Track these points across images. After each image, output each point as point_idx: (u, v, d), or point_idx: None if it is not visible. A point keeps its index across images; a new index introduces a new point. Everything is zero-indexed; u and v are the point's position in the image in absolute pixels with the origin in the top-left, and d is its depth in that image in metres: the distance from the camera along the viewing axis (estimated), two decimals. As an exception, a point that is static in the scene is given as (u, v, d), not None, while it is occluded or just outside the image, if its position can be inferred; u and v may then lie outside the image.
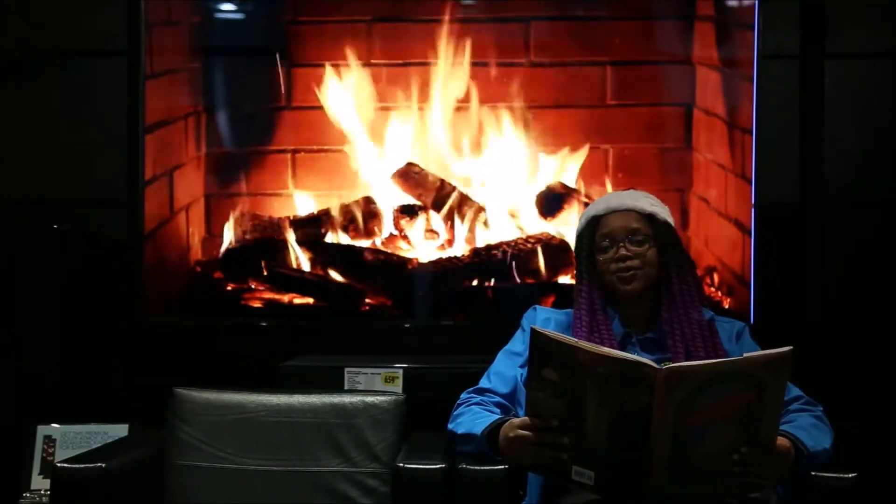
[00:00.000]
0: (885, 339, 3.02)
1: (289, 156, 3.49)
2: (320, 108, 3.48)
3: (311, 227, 3.36)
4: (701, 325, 2.31)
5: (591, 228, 2.36)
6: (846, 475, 2.23)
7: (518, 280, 3.27)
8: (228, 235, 3.42)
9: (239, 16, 3.55)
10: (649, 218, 2.33)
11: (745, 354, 1.99)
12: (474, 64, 3.45)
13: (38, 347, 3.09)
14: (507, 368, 2.39)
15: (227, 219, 3.47)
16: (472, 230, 3.37)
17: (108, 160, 3.22)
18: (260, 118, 3.54)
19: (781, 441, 2.08)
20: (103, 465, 2.44)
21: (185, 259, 3.41)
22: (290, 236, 3.34)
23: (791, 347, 1.95)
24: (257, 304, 3.31)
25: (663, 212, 2.36)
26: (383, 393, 2.75)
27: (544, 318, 2.41)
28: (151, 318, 3.19)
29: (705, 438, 1.93)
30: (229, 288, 3.31)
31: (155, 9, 3.16)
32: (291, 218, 3.38)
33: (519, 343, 2.42)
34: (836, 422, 2.30)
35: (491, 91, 3.45)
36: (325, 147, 3.48)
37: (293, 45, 3.51)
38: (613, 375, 1.92)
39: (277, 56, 3.48)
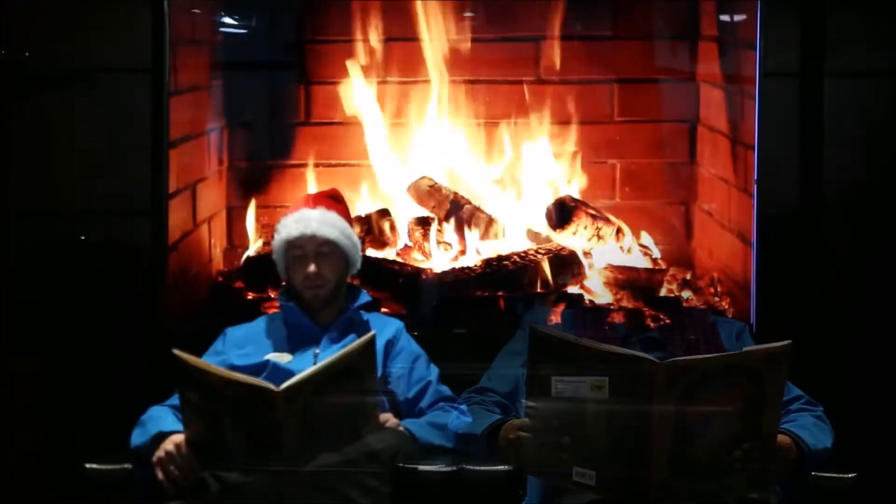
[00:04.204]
0: (885, 350, 3.05)
1: (308, 170, 3.58)
2: (338, 123, 3.55)
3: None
4: (704, 331, 2.35)
5: None
6: (846, 475, 2.24)
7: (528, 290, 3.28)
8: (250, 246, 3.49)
9: (259, 35, 3.63)
10: None
11: (744, 348, 2.01)
12: (485, 81, 3.53)
13: (66, 360, 3.12)
14: (507, 368, 2.40)
15: (248, 230, 3.53)
16: (483, 241, 3.41)
17: (134, 174, 3.19)
18: (280, 133, 3.62)
19: (783, 439, 2.11)
20: (130, 466, 2.44)
21: (208, 269, 3.47)
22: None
23: (789, 341, 1.95)
24: (277, 314, 3.36)
25: None
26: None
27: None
28: (175, 326, 3.25)
29: (706, 433, 1.94)
30: (250, 297, 3.35)
31: (179, 28, 3.20)
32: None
33: (520, 342, 2.41)
34: (837, 422, 2.31)
35: (502, 107, 3.54)
36: (343, 161, 3.57)
37: (311, 63, 3.60)
38: (614, 371, 1.92)
39: (296, 73, 3.56)
